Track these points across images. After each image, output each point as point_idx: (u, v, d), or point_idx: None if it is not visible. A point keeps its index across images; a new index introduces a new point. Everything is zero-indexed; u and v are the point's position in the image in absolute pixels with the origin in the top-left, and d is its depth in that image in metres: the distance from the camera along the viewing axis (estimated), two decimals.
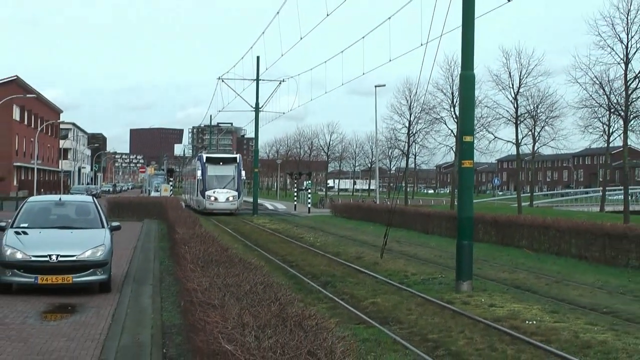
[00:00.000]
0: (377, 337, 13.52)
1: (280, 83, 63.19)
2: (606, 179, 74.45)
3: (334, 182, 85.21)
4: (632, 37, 44.80)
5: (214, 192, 59.22)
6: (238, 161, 62.10)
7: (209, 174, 59.96)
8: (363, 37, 33.97)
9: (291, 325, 7.30)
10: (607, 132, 53.42)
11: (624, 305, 17.63)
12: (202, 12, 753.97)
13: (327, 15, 28.33)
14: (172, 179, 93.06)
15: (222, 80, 63.31)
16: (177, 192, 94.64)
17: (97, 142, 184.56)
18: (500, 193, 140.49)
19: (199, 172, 60.43)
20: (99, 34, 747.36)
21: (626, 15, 44.71)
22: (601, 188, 76.07)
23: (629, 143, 48.98)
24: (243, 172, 63.13)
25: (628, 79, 45.40)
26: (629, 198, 52.02)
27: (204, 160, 60.96)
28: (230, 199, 59.59)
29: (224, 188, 59.72)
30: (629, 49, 44.92)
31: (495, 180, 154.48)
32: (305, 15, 33.32)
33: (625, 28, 44.84)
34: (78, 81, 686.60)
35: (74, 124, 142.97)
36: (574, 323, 14.93)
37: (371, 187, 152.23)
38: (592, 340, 13.31)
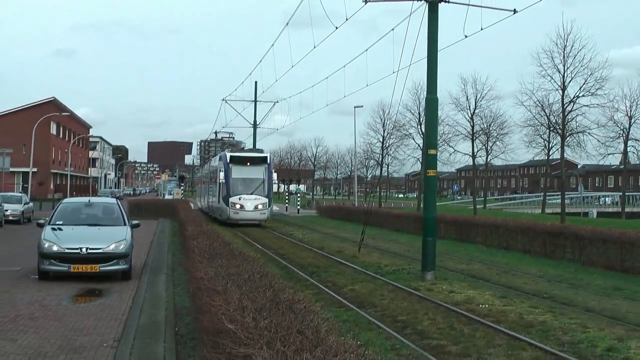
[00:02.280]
0: (355, 318, 13.51)
1: (274, 104, 62.57)
2: (546, 186, 74.68)
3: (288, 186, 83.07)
4: (567, 68, 45.07)
5: (239, 199, 42.34)
6: (268, 161, 44.81)
7: (234, 177, 43.16)
8: (344, 66, 34.12)
9: (283, 308, 7.28)
10: (547, 147, 53.58)
11: (560, 291, 17.70)
12: (210, 44, 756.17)
13: (314, 47, 28.29)
14: (182, 184, 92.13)
15: (226, 101, 62.20)
16: (187, 195, 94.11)
17: (120, 152, 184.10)
18: (459, 197, 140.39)
19: (221, 174, 43.72)
20: (122, 63, 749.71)
21: (563, 50, 44.99)
22: (542, 193, 76.19)
23: (565, 156, 49.17)
24: (275, 175, 49.57)
25: (564, 102, 45.63)
26: (565, 202, 52.14)
27: (228, 160, 43.78)
28: (260, 207, 42.53)
29: (251, 194, 42.62)
30: (565, 78, 45.18)
31: (455, 187, 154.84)
32: (295, 47, 33.36)
33: (562, 61, 45.10)
34: (105, 101, 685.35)
35: (101, 138, 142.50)
36: (520, 306, 14.97)
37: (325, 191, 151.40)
38: (534, 320, 13.36)
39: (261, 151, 46.51)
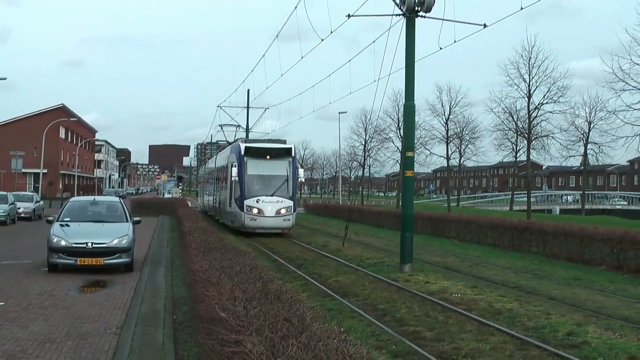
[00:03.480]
0: (339, 307, 13.50)
1: (265, 110, 62.36)
2: (514, 185, 74.98)
3: None
4: (532, 78, 45.48)
5: (257, 202, 31.34)
6: (293, 154, 33.02)
7: (250, 174, 31.97)
8: (329, 75, 33.93)
9: (272, 298, 7.29)
10: (515, 149, 53.86)
11: (526, 281, 17.78)
12: (207, 55, 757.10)
13: (302, 58, 28.17)
14: (181, 184, 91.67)
15: (221, 108, 61.11)
16: (185, 194, 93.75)
17: (123, 155, 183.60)
18: (435, 196, 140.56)
19: (233, 170, 32.13)
20: (128, 73, 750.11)
21: (528, 62, 45.39)
22: (510, 192, 76.46)
23: (531, 158, 49.43)
24: (301, 171, 34.21)
25: (530, 109, 46.00)
26: (531, 200, 52.39)
27: (242, 152, 32.23)
28: (283, 211, 31.53)
29: (272, 195, 31.64)
30: (530, 87, 45.58)
31: (431, 186, 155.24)
32: (284, 58, 33.39)
33: (528, 71, 45.50)
34: (110, 108, 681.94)
35: (106, 141, 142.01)
36: (489, 295, 15.01)
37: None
38: (502, 308, 13.40)
39: (283, 141, 34.59)
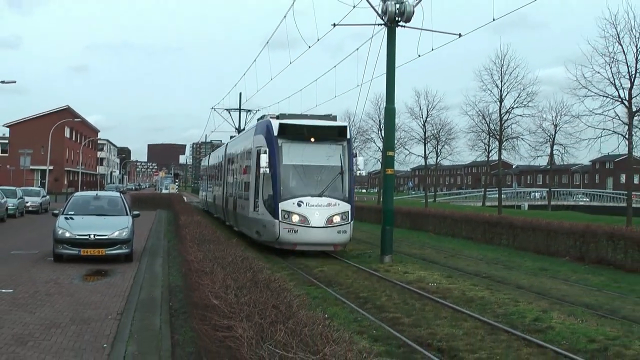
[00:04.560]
0: (324, 295, 13.53)
1: (256, 112, 62.00)
2: (486, 183, 75.11)
3: None
4: (504, 84, 45.47)
5: (298, 206, 19.67)
6: (348, 136, 21.68)
7: (286, 163, 20.44)
8: (316, 80, 33.86)
9: (261, 286, 7.29)
10: (487, 150, 53.99)
11: (497, 272, 17.86)
12: (202, 60, 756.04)
13: (290, 63, 28.00)
14: (177, 180, 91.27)
15: (214, 110, 61.06)
16: (181, 189, 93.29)
17: (124, 153, 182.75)
18: (413, 192, 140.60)
19: (262, 159, 19.87)
20: (128, 77, 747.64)
21: (500, 69, 45.43)
22: (483, 189, 76.72)
23: (502, 157, 49.60)
24: (360, 159, 23.10)
25: (502, 113, 46.05)
26: (502, 196, 52.60)
27: (275, 132, 20.41)
28: (337, 219, 19.84)
29: (320, 195, 19.92)
30: (502, 92, 45.57)
31: (410, 183, 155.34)
32: (274, 63, 33.34)
33: (500, 77, 45.51)
34: (112, 109, 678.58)
35: (108, 140, 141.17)
36: (463, 284, 15.07)
37: None
38: (474, 296, 13.46)
39: (333, 118, 22.58)
